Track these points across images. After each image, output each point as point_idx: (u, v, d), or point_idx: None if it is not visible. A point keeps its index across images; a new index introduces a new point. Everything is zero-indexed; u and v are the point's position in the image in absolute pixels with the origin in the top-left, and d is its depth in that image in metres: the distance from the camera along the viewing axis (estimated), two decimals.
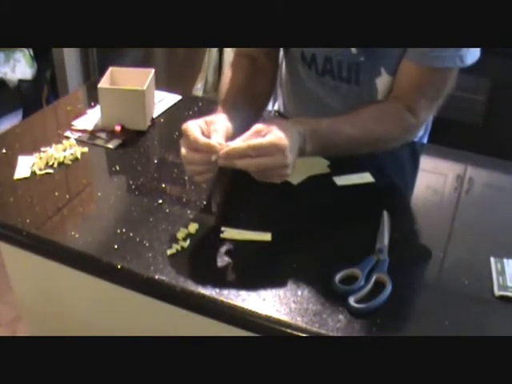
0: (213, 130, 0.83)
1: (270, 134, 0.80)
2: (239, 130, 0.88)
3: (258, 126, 0.82)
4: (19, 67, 2.45)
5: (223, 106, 0.94)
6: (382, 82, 1.02)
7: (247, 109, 0.97)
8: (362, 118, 0.93)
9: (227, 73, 1.05)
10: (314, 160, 0.99)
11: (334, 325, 0.72)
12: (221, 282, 0.77)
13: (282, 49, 1.14)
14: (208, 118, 0.86)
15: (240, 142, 0.81)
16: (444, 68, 0.92)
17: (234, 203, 0.89)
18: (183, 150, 0.83)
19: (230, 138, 0.85)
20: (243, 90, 1.00)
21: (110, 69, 1.18)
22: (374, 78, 1.02)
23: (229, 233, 0.85)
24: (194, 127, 0.82)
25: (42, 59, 2.53)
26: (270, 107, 1.95)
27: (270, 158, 0.79)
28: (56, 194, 0.94)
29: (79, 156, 1.04)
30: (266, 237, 0.85)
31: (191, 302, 0.77)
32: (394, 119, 0.95)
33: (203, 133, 0.83)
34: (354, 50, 0.99)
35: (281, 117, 1.24)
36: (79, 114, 1.19)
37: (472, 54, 0.91)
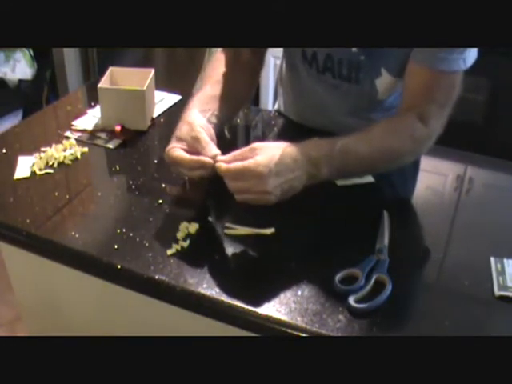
0: (203, 143, 0.86)
1: (250, 159, 0.80)
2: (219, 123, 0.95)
3: (254, 145, 0.82)
4: (19, 67, 2.45)
5: (201, 97, 0.96)
6: (382, 82, 1.02)
7: (225, 102, 0.98)
8: (375, 135, 0.92)
9: (211, 64, 1.06)
10: None
11: (334, 325, 0.72)
12: (221, 282, 0.77)
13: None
14: (194, 134, 0.88)
15: (224, 162, 0.82)
16: (450, 72, 0.92)
17: (234, 203, 0.89)
18: (178, 168, 0.88)
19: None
20: (222, 83, 1.00)
21: (110, 69, 1.18)
22: (374, 78, 1.02)
23: (232, 230, 0.86)
24: (178, 152, 0.86)
25: (42, 59, 2.53)
26: (270, 107, 1.95)
27: (244, 182, 0.80)
28: (56, 193, 0.94)
29: (79, 156, 1.04)
30: (269, 230, 0.85)
31: (191, 302, 0.77)
32: (405, 132, 0.93)
33: (187, 151, 0.86)
34: (354, 48, 0.99)
35: (281, 116, 1.24)
36: (79, 113, 1.19)
37: (472, 56, 0.92)
